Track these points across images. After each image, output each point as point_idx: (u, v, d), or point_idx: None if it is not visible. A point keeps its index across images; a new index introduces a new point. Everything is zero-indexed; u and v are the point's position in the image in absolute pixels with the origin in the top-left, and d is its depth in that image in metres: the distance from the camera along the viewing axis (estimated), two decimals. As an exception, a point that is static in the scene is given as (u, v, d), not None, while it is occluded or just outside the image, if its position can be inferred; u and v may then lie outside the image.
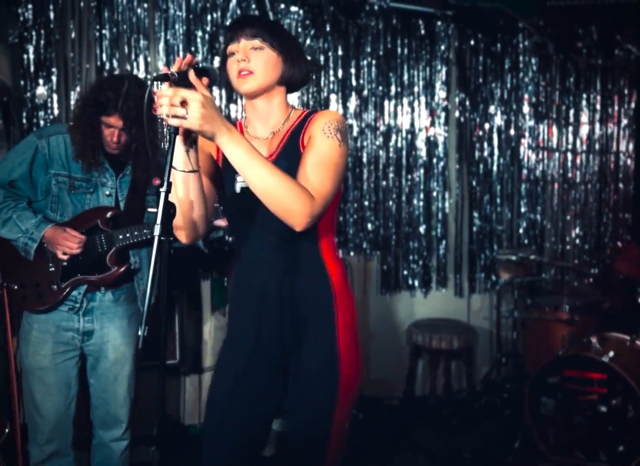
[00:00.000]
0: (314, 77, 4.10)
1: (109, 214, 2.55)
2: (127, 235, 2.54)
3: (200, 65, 1.78)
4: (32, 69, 3.38)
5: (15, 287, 2.58)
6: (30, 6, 3.35)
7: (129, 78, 2.56)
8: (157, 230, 1.64)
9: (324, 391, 1.91)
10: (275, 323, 1.91)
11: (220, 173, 1.95)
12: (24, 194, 2.57)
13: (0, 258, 2.63)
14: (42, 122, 3.40)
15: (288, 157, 1.85)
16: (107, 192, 2.58)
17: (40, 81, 3.40)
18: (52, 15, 3.39)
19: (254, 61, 1.82)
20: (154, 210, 1.66)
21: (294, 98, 4.03)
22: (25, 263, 2.56)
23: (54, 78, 3.42)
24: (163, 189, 1.65)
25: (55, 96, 3.43)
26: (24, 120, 3.38)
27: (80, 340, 2.61)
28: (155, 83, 1.74)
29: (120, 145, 2.51)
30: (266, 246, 1.89)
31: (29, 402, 2.61)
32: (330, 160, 1.78)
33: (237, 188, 1.90)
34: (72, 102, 3.46)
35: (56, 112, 3.44)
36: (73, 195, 2.54)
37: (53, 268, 2.55)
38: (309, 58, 4.00)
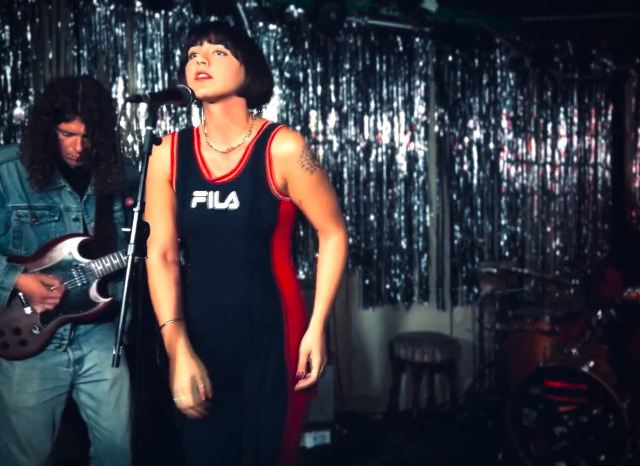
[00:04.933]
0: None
1: (79, 243, 2.33)
2: (107, 264, 2.34)
3: (177, 85, 1.81)
4: (9, 89, 3.38)
5: None
6: (7, 27, 3.36)
7: (81, 79, 2.36)
8: (130, 249, 1.65)
9: (273, 404, 1.92)
10: (231, 338, 1.93)
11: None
12: None
13: None
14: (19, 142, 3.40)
15: (250, 178, 1.87)
16: (74, 217, 2.35)
17: (18, 102, 3.40)
18: (29, 35, 3.41)
19: (214, 66, 1.79)
20: (128, 229, 1.67)
21: (273, 114, 4.06)
22: None
23: (31, 98, 3.42)
24: (137, 209, 1.66)
25: (33, 116, 3.44)
26: (1, 141, 3.38)
27: (72, 373, 2.40)
28: (130, 103, 1.76)
29: (83, 153, 2.27)
30: (222, 261, 1.90)
31: (8, 443, 2.37)
32: (325, 186, 1.93)
33: (193, 204, 1.90)
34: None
35: (34, 132, 3.44)
36: (36, 228, 2.31)
37: (30, 311, 2.32)
38: (287, 75, 4.05)
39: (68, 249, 2.33)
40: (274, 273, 1.93)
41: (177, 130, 2.04)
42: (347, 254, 2.00)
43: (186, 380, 1.87)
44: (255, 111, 1.96)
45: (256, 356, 1.93)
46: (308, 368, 1.92)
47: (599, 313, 3.65)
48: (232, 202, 1.86)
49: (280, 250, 1.94)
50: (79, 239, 2.34)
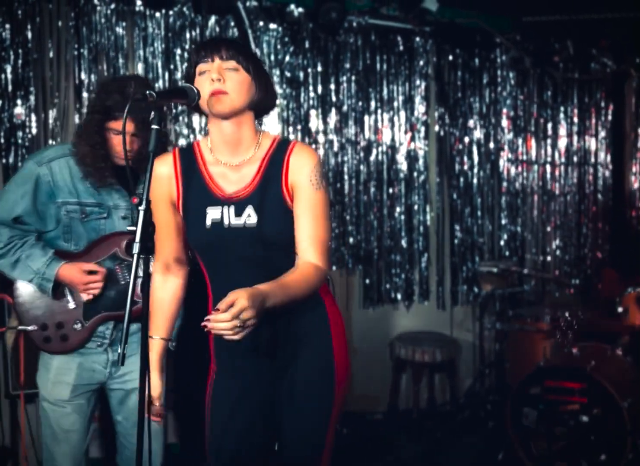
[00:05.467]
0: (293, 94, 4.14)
1: (126, 241, 2.34)
2: (152, 262, 2.35)
3: (180, 84, 1.81)
4: (10, 88, 3.37)
5: (35, 328, 2.36)
6: (7, 26, 3.35)
7: (134, 78, 2.39)
8: (136, 248, 1.65)
9: (321, 399, 1.93)
10: (269, 354, 1.91)
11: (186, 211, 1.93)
12: (32, 228, 2.36)
13: (19, 297, 2.41)
14: (20, 142, 3.39)
15: (267, 192, 1.85)
16: (122, 214, 2.38)
17: (19, 101, 3.39)
18: (29, 34, 3.40)
19: (229, 82, 1.79)
20: (133, 228, 1.67)
21: (273, 113, 4.05)
22: (43, 303, 2.38)
23: (32, 97, 3.42)
24: (142, 208, 1.66)
25: (33, 116, 3.43)
26: (2, 140, 3.37)
27: (108, 374, 2.41)
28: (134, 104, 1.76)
29: (134, 152, 2.28)
30: (247, 275, 1.85)
31: (48, 437, 2.41)
32: (324, 210, 1.87)
33: (208, 221, 1.87)
34: (51, 121, 3.46)
35: (34, 131, 3.44)
36: (86, 224, 2.35)
37: (74, 306, 2.36)
38: (288, 74, 4.05)
39: (115, 247, 2.36)
40: None
41: (176, 147, 2.02)
42: (318, 283, 1.83)
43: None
44: (259, 125, 1.96)
45: (298, 356, 1.92)
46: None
47: (567, 314, 3.70)
48: (250, 216, 1.84)
49: None
50: (126, 237, 2.36)
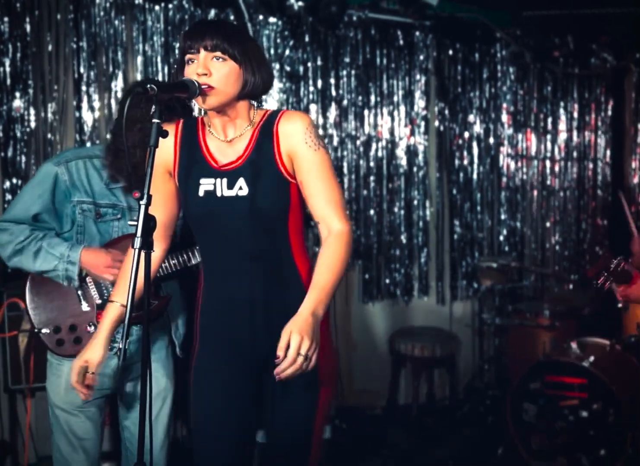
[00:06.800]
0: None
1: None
2: (164, 265, 2.31)
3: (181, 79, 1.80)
4: (8, 82, 3.35)
5: (48, 331, 2.34)
6: (6, 19, 3.33)
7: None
8: (137, 242, 1.64)
9: (305, 399, 1.91)
10: (250, 332, 1.90)
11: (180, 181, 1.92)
12: (51, 227, 2.37)
13: (32, 301, 2.39)
14: (18, 136, 3.38)
15: (258, 163, 1.85)
16: (136, 217, 2.39)
17: (17, 94, 3.37)
18: (28, 27, 3.38)
19: (215, 74, 1.77)
20: (134, 223, 1.66)
21: (273, 108, 4.04)
22: (56, 305, 2.37)
23: (30, 91, 3.40)
24: (143, 202, 1.65)
25: (32, 109, 3.42)
26: (0, 134, 3.36)
27: (118, 378, 2.39)
28: (132, 95, 1.77)
29: None
30: (236, 249, 1.87)
31: (64, 446, 2.39)
32: (328, 169, 1.86)
33: (201, 192, 1.87)
34: (50, 115, 3.45)
35: (33, 125, 3.42)
36: (99, 224, 2.36)
37: (88, 308, 2.34)
38: (288, 68, 4.03)
39: (127, 249, 2.27)
40: (295, 263, 1.89)
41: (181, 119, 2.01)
42: (349, 248, 1.84)
43: (80, 361, 1.93)
44: (255, 103, 1.94)
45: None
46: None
47: (615, 260, 3.63)
48: (241, 188, 1.84)
49: (297, 238, 1.90)
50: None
